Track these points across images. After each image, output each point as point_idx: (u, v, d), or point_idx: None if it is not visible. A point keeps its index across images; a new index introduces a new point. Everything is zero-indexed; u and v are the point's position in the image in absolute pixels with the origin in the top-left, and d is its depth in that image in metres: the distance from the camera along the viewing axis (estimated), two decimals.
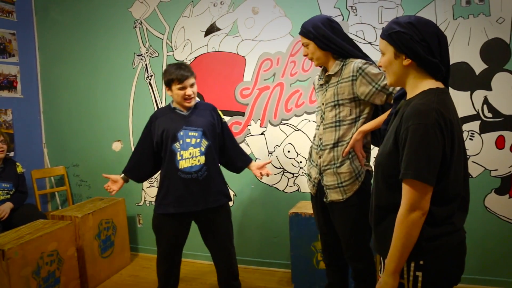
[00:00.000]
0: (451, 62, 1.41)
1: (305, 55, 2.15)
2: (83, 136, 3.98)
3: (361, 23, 2.95)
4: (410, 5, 2.82)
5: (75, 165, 4.06)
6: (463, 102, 2.77)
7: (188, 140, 2.40)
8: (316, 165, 2.15)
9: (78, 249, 3.01)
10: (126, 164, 2.60)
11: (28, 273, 2.52)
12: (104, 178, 2.57)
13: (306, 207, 2.90)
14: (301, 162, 3.23)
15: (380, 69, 2.01)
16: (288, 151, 3.26)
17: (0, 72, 3.81)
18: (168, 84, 2.41)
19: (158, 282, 2.58)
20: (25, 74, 4.01)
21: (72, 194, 4.09)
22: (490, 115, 2.76)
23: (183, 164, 2.38)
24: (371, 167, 2.11)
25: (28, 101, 4.05)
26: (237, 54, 3.32)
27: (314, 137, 2.21)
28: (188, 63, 3.45)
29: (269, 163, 2.69)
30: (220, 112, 2.62)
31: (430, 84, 1.35)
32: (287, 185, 3.30)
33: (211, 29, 3.39)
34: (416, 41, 1.31)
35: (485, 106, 2.76)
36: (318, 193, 2.18)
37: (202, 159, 2.40)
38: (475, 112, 2.78)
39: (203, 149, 2.41)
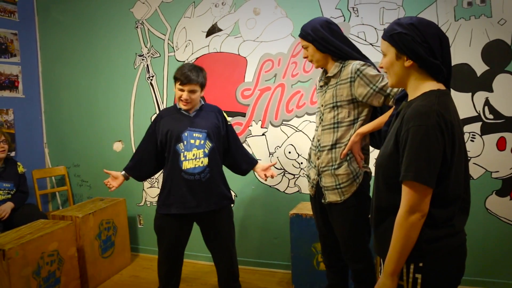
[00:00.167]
0: (452, 64, 1.41)
1: (305, 57, 2.17)
2: (84, 136, 3.98)
3: (363, 24, 2.95)
4: (412, 6, 2.82)
5: (76, 165, 4.06)
6: (464, 104, 2.77)
7: (192, 141, 2.40)
8: (315, 166, 2.16)
9: (79, 249, 3.01)
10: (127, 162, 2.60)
11: (28, 273, 2.53)
12: (105, 176, 2.57)
13: (306, 208, 2.89)
14: (301, 163, 3.22)
15: (378, 71, 2.02)
16: (289, 152, 3.26)
17: (2, 72, 3.82)
18: (174, 80, 2.43)
19: (159, 282, 2.58)
20: (26, 74, 4.01)
21: (73, 194, 4.09)
22: (491, 116, 2.76)
23: (186, 165, 2.38)
24: (369, 169, 2.11)
25: (30, 101, 4.05)
26: (239, 54, 3.32)
27: (313, 138, 2.22)
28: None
29: (274, 164, 2.69)
30: (225, 115, 2.62)
31: (431, 85, 1.34)
32: (287, 186, 3.30)
33: (213, 30, 3.39)
34: (418, 43, 1.30)
35: (486, 107, 2.76)
36: (317, 194, 2.19)
37: (206, 160, 2.40)
38: (476, 114, 2.78)
39: (206, 151, 2.41)
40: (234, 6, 3.30)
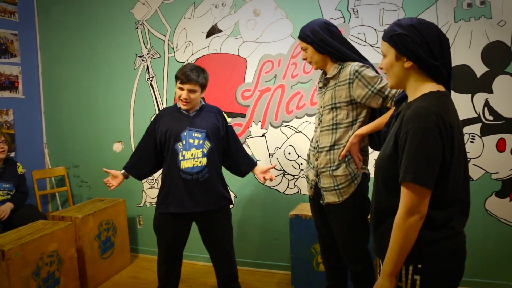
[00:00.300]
0: (452, 65, 1.41)
1: (304, 59, 2.19)
2: (84, 137, 3.98)
3: (363, 25, 2.96)
4: (412, 8, 2.82)
5: (76, 166, 4.06)
6: (464, 105, 2.77)
7: (191, 141, 2.40)
8: (313, 167, 2.17)
9: (78, 250, 3.01)
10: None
11: (28, 274, 2.52)
12: (104, 176, 2.57)
13: (306, 209, 2.89)
14: (301, 164, 3.22)
15: (377, 72, 2.03)
16: (289, 153, 3.26)
17: (2, 72, 3.82)
18: (175, 79, 2.43)
19: (158, 282, 2.58)
20: (26, 75, 4.01)
21: (73, 195, 4.09)
22: (491, 118, 2.76)
23: (184, 165, 2.38)
24: (368, 170, 2.12)
25: (30, 102, 4.05)
26: (239, 55, 3.32)
27: (312, 139, 2.22)
28: None
29: (273, 167, 2.69)
30: (225, 115, 2.62)
31: (431, 87, 1.34)
32: (287, 187, 3.30)
33: (213, 31, 3.39)
34: (418, 44, 1.30)
35: (486, 108, 2.76)
36: (316, 195, 2.20)
37: (204, 160, 2.40)
38: (476, 115, 2.78)
39: (205, 151, 2.41)
40: (234, 7, 3.30)
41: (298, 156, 3.23)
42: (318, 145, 2.13)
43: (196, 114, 2.48)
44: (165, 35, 3.56)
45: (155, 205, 2.55)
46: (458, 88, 2.77)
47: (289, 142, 3.25)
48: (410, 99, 1.40)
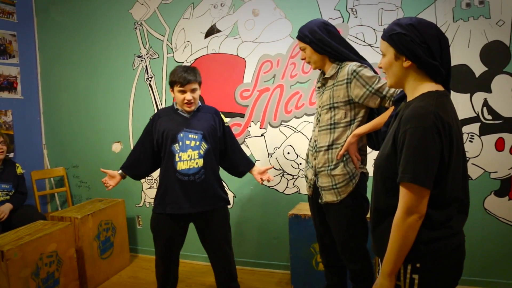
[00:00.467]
0: (451, 65, 1.41)
1: (302, 59, 2.20)
2: (83, 137, 3.98)
3: (361, 25, 2.96)
4: (410, 7, 2.82)
5: (75, 166, 4.06)
6: (463, 104, 2.77)
7: (187, 142, 2.40)
8: (312, 166, 2.18)
9: (78, 250, 3.01)
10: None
11: (27, 274, 2.52)
12: (103, 177, 2.57)
13: (305, 209, 2.89)
14: (300, 163, 3.23)
15: (375, 72, 2.03)
16: (288, 153, 3.26)
17: (0, 73, 3.81)
18: (171, 85, 2.42)
19: (157, 282, 2.58)
20: (25, 75, 4.01)
21: (72, 195, 4.09)
22: (489, 117, 2.76)
23: (181, 166, 2.38)
24: (366, 170, 2.12)
25: (28, 102, 4.05)
26: (237, 55, 3.32)
27: (311, 138, 2.23)
28: (188, 64, 3.45)
29: (270, 168, 2.69)
30: (222, 116, 2.62)
31: (429, 86, 1.34)
32: (286, 187, 3.30)
33: (211, 31, 3.39)
34: (417, 43, 1.31)
35: (485, 108, 2.76)
36: (314, 194, 2.21)
37: (201, 162, 2.40)
38: (475, 114, 2.78)
39: (202, 152, 2.41)
40: (233, 7, 3.30)
41: (297, 155, 3.23)
42: (316, 145, 2.14)
43: (193, 115, 2.48)
44: (164, 35, 3.56)
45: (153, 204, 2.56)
46: (457, 88, 2.77)
47: (288, 142, 3.25)
48: (409, 98, 1.40)
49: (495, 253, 2.84)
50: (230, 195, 3.46)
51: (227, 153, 2.61)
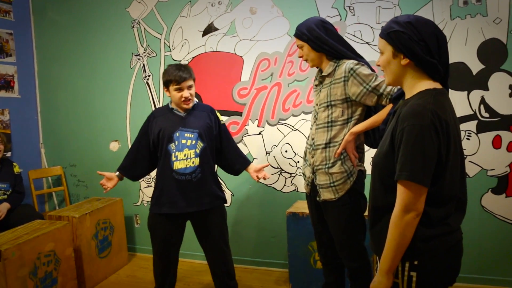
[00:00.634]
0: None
1: (300, 57, 2.20)
2: (80, 136, 3.97)
3: (359, 23, 2.96)
4: (408, 5, 2.83)
5: (73, 165, 4.05)
6: (460, 102, 2.78)
7: (183, 141, 2.39)
8: (310, 164, 2.18)
9: (76, 249, 3.01)
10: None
11: (25, 274, 2.52)
12: (101, 177, 2.57)
13: (303, 207, 2.90)
14: (298, 162, 3.23)
15: (372, 70, 2.04)
16: (286, 151, 3.26)
17: None
18: (166, 85, 2.41)
19: (155, 282, 2.58)
20: (22, 74, 4.00)
21: (70, 194, 4.08)
22: (487, 115, 2.77)
23: (177, 165, 2.38)
24: (364, 167, 2.13)
25: (26, 101, 4.04)
26: (235, 54, 3.32)
27: (308, 137, 2.23)
28: (186, 63, 3.45)
29: (266, 166, 2.69)
30: (218, 114, 2.61)
31: (427, 84, 1.35)
32: (284, 185, 3.31)
33: (209, 29, 3.39)
34: (415, 41, 1.31)
35: (482, 106, 2.77)
36: (312, 192, 2.21)
37: (197, 161, 2.40)
38: (472, 112, 2.79)
39: (198, 151, 2.40)
40: (231, 5, 3.30)
41: (295, 154, 3.24)
42: (314, 143, 2.14)
43: (189, 114, 2.47)
44: (161, 34, 3.56)
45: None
46: (454, 86, 2.78)
47: (286, 140, 3.25)
48: (407, 96, 1.40)
49: (492, 250, 2.85)
50: (228, 194, 3.46)
51: (223, 152, 2.61)
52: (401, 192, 1.27)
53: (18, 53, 3.96)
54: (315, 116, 2.17)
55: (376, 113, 2.02)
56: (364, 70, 2.00)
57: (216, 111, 2.62)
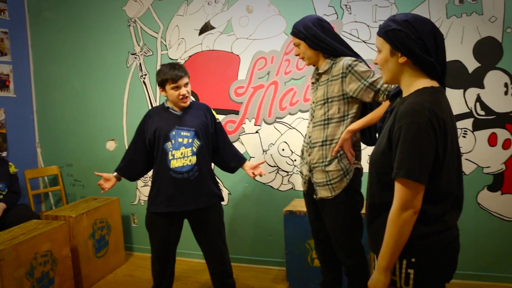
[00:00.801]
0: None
1: (296, 55, 2.20)
2: (77, 136, 3.96)
3: (355, 21, 2.96)
4: (404, 4, 2.83)
5: (69, 165, 4.04)
6: (456, 100, 2.79)
7: (180, 140, 2.39)
8: (307, 162, 2.19)
9: (72, 249, 3.00)
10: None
11: (21, 274, 2.51)
12: (97, 177, 2.56)
13: (300, 205, 2.90)
14: (295, 160, 3.23)
15: (369, 67, 2.04)
16: (283, 150, 3.26)
17: None
18: (162, 85, 2.41)
19: (153, 280, 2.58)
20: (17, 73, 3.98)
21: (66, 194, 4.07)
22: (482, 112, 2.78)
23: (174, 164, 2.38)
24: (360, 165, 2.13)
25: (21, 101, 4.02)
26: (232, 52, 3.32)
27: (305, 135, 2.24)
28: (182, 61, 3.45)
29: (262, 163, 2.70)
30: (214, 112, 2.61)
31: (425, 83, 1.35)
32: (281, 183, 3.31)
33: (206, 28, 3.38)
34: (412, 39, 1.31)
35: (477, 103, 2.78)
36: (309, 190, 2.21)
37: (194, 159, 2.40)
38: (468, 110, 2.80)
39: (195, 149, 2.41)
40: (227, 4, 3.29)
41: (292, 152, 3.24)
42: (310, 141, 2.15)
43: (185, 113, 2.47)
44: (157, 33, 3.55)
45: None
46: (450, 84, 2.79)
47: (282, 138, 3.25)
48: (404, 94, 1.40)
49: (488, 247, 2.87)
50: (225, 192, 3.46)
51: (218, 150, 2.61)
52: (399, 190, 1.28)
53: (14, 52, 3.94)
54: (311, 114, 2.18)
55: (372, 111, 2.03)
56: (362, 67, 2.01)
57: (212, 110, 2.62)
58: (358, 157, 2.15)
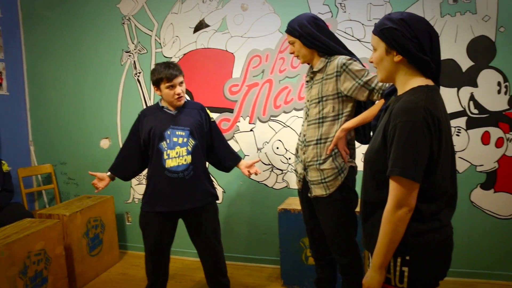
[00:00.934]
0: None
1: (291, 53, 2.19)
2: (70, 134, 3.94)
3: (350, 20, 2.97)
4: (399, 2, 2.84)
5: (63, 163, 4.02)
6: (450, 99, 2.80)
7: (175, 139, 2.39)
8: (301, 161, 2.19)
9: (66, 248, 2.99)
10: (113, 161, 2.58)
11: (14, 273, 2.49)
12: (91, 176, 2.55)
13: (295, 203, 2.91)
14: (289, 158, 3.24)
15: (363, 66, 2.04)
16: (277, 148, 3.27)
17: None
18: (157, 84, 2.40)
19: (147, 279, 2.57)
20: (10, 71, 3.94)
21: (60, 192, 4.05)
22: (476, 111, 2.80)
23: (169, 163, 2.38)
24: (355, 163, 2.14)
25: (14, 98, 3.99)
26: (226, 50, 3.31)
27: (300, 133, 2.24)
28: (177, 60, 3.44)
29: (257, 161, 2.70)
30: (208, 111, 2.61)
31: (420, 81, 1.36)
32: (276, 182, 3.31)
33: (200, 26, 3.37)
34: (408, 38, 1.31)
35: (471, 102, 2.80)
36: (304, 188, 2.22)
37: (189, 158, 2.39)
38: (462, 109, 2.82)
39: (190, 149, 2.40)
40: (222, 2, 3.28)
41: (286, 150, 3.24)
42: (305, 139, 2.15)
43: (179, 112, 2.46)
44: (152, 30, 3.53)
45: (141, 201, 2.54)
46: (444, 82, 2.80)
47: (277, 136, 3.26)
48: (399, 92, 1.41)
49: (481, 244, 2.89)
50: (220, 191, 3.46)
51: (213, 148, 2.61)
52: (394, 188, 1.28)
53: (6, 49, 3.91)
54: (306, 112, 2.18)
55: (366, 109, 2.04)
56: (356, 66, 2.02)
57: (206, 108, 2.61)
58: (352, 155, 2.15)
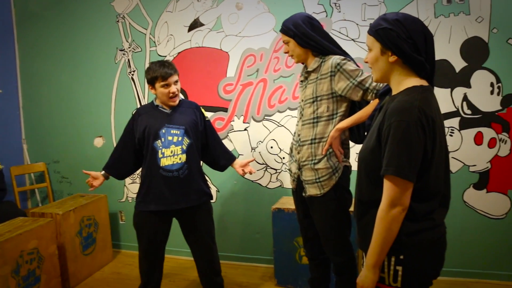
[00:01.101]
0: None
1: (285, 52, 2.20)
2: (64, 132, 3.92)
3: (345, 20, 2.98)
4: (393, 3, 2.85)
5: (56, 161, 3.99)
6: (443, 99, 2.82)
7: (170, 138, 2.38)
8: (296, 160, 2.19)
9: (59, 247, 2.97)
10: (107, 160, 2.57)
11: (7, 272, 2.48)
12: (85, 174, 2.54)
13: (288, 203, 2.91)
14: (284, 158, 3.24)
15: (358, 66, 2.05)
16: (271, 147, 3.27)
17: None
18: (152, 82, 2.39)
19: (141, 279, 2.56)
20: (3, 69, 3.91)
21: (53, 191, 4.02)
22: (469, 112, 2.82)
23: (164, 162, 2.37)
24: (349, 163, 2.15)
25: (7, 96, 3.96)
26: (221, 49, 3.31)
27: (294, 133, 2.24)
28: (171, 58, 3.43)
29: (252, 161, 2.70)
30: (203, 110, 2.61)
31: (414, 81, 1.36)
32: (270, 181, 3.31)
33: (195, 25, 3.36)
34: (403, 39, 1.32)
35: (464, 103, 2.82)
36: (298, 188, 2.22)
37: (184, 157, 2.39)
38: (455, 109, 2.84)
39: (184, 147, 2.40)
40: (217, 1, 3.28)
41: (280, 150, 3.24)
42: (300, 139, 2.16)
43: (174, 111, 2.46)
44: (146, 29, 3.52)
45: (135, 200, 2.53)
46: (438, 83, 2.81)
47: (271, 136, 3.26)
48: (394, 92, 1.41)
49: (473, 244, 2.91)
50: (214, 190, 3.46)
51: (208, 148, 2.61)
52: (388, 187, 1.29)
53: None
54: (301, 112, 2.18)
55: (361, 109, 2.04)
56: (350, 66, 2.02)
57: (201, 108, 2.61)
58: (346, 155, 2.16)
